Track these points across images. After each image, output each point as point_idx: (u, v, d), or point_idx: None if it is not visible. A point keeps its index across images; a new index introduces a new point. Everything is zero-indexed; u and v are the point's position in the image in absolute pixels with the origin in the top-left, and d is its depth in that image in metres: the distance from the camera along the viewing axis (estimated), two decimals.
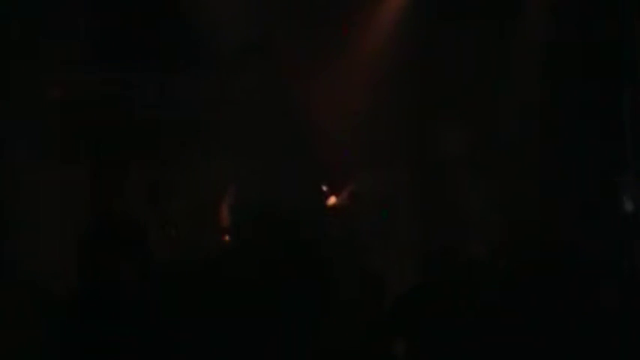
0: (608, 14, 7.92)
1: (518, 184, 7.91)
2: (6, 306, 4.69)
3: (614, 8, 7.91)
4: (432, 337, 5.01)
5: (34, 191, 7.06)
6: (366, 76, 7.99)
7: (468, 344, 4.81)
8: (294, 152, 7.55)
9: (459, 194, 8.02)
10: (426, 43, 8.10)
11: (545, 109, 8.02)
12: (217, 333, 4.11)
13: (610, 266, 5.59)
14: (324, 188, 7.62)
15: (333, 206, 7.60)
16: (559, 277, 4.95)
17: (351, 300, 5.14)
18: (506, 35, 8.15)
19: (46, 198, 7.11)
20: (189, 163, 7.49)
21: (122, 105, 7.57)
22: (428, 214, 8.01)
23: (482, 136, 8.11)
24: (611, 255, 6.59)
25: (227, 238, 7.03)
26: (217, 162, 7.37)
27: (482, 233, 7.27)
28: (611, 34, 7.91)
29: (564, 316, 4.81)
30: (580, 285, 4.94)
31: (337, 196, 7.63)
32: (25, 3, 7.24)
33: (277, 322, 4.17)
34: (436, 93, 8.18)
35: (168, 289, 4.13)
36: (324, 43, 7.84)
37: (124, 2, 7.55)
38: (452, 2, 7.98)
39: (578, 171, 7.99)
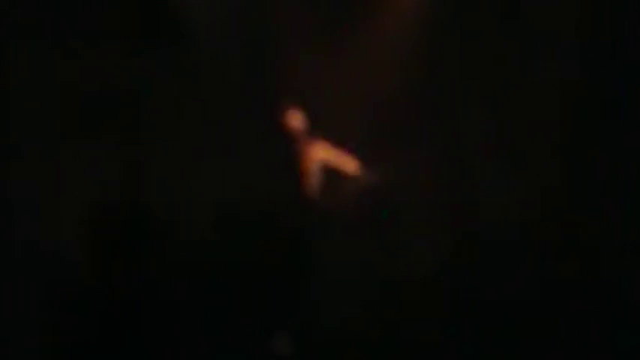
0: None
1: (540, 174, 7.82)
2: (13, 296, 4.70)
3: None
4: (449, 329, 5.00)
5: (42, 180, 7.03)
6: (383, 58, 7.94)
7: (485, 335, 4.79)
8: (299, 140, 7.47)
9: (479, 183, 7.96)
10: (449, 27, 8.02)
11: (569, 97, 7.91)
12: (213, 327, 4.11)
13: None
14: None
15: (346, 194, 7.56)
16: (582, 266, 4.96)
17: (362, 292, 5.12)
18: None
19: (56, 187, 7.08)
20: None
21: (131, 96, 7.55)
22: (447, 203, 7.94)
23: (505, 126, 8.03)
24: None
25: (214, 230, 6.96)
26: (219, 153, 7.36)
27: (502, 222, 7.21)
28: None
29: (588, 305, 4.80)
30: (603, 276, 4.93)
31: (352, 183, 7.58)
32: None
33: (271, 322, 4.16)
34: (459, 80, 8.10)
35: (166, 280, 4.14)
36: (340, 22, 7.83)
37: None
38: None
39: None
